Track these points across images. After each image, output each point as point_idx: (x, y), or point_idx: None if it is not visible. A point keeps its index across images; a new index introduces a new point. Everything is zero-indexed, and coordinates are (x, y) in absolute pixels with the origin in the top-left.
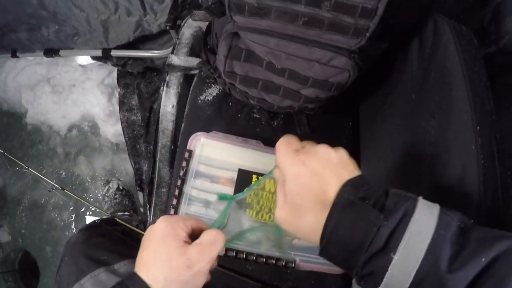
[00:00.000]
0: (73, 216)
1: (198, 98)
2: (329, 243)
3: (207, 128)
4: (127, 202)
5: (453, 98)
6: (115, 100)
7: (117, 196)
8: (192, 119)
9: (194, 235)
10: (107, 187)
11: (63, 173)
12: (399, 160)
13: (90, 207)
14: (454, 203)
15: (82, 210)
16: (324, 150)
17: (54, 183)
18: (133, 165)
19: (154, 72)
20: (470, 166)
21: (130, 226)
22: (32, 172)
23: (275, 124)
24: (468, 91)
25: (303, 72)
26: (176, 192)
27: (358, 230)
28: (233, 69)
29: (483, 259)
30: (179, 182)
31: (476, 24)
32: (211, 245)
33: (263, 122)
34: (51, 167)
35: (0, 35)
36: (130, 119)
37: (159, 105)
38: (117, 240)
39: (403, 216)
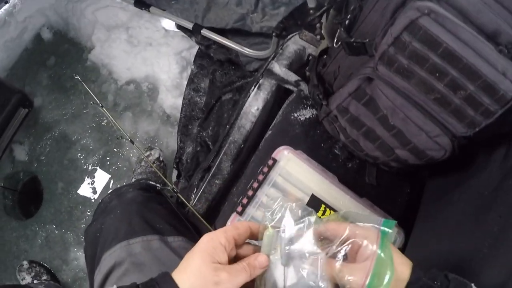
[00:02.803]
0: (98, 165)
1: (292, 114)
2: None
3: (291, 144)
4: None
5: None
6: (186, 75)
7: (154, 165)
8: (280, 131)
9: (239, 242)
10: (148, 152)
11: (105, 121)
12: (458, 239)
13: (118, 163)
14: None
15: (108, 163)
16: None
17: (93, 126)
18: (179, 143)
19: (233, 66)
20: None
21: (190, 206)
22: (105, 112)
23: (350, 165)
24: None
25: (409, 136)
26: (250, 193)
27: None
28: (349, 107)
29: None
30: (255, 185)
31: None
32: (243, 271)
33: (340, 160)
34: (94, 109)
35: None
36: (193, 99)
37: (244, 102)
38: (173, 212)
39: None
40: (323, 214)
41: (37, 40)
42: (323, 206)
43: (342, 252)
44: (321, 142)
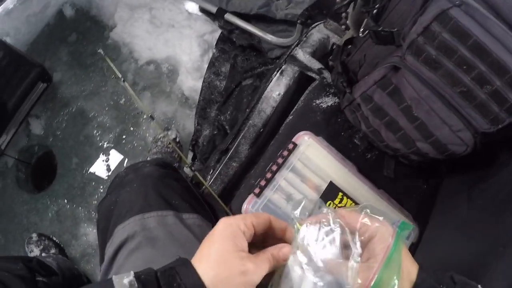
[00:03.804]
0: (113, 143)
1: (313, 101)
2: None
3: (312, 130)
4: (176, 156)
5: None
6: (207, 58)
7: (170, 145)
8: (301, 116)
9: (258, 232)
10: (165, 132)
11: (123, 99)
12: (474, 236)
13: (134, 142)
14: None
15: (123, 142)
16: None
17: (111, 104)
18: (196, 125)
19: (254, 52)
20: None
21: (207, 185)
22: (128, 87)
23: (368, 156)
24: None
25: (432, 128)
26: (268, 176)
27: None
28: (373, 95)
29: None
30: (274, 168)
31: None
32: (267, 262)
33: (359, 150)
34: (113, 87)
35: None
36: (213, 83)
37: (266, 87)
38: (189, 190)
39: None
40: (340, 202)
41: (59, 16)
42: (340, 194)
43: (358, 244)
44: (341, 131)
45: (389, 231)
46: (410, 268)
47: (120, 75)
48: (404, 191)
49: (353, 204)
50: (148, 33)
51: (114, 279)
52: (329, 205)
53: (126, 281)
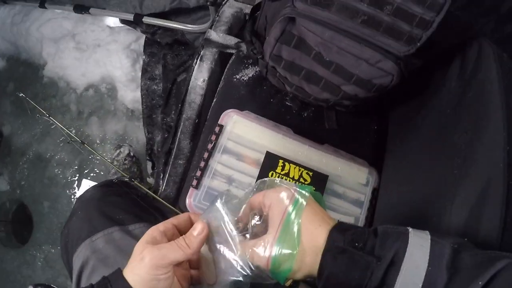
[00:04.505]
0: (77, 175)
1: (234, 77)
2: (325, 286)
3: (239, 106)
4: (135, 170)
5: (488, 118)
6: (139, 66)
7: (126, 162)
8: (225, 96)
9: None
10: (118, 151)
11: (73, 131)
12: (427, 166)
13: (95, 169)
14: (475, 215)
15: (86, 171)
16: None
17: (62, 139)
18: (147, 134)
19: (182, 46)
20: (496, 182)
21: (147, 191)
22: (52, 120)
23: (305, 115)
24: (503, 113)
25: (349, 68)
26: (202, 164)
27: (353, 275)
28: (281, 53)
29: (480, 282)
30: (205, 155)
31: None
32: (173, 244)
33: (294, 111)
34: (61, 123)
35: None
36: (150, 88)
37: (190, 77)
38: (133, 202)
39: (395, 255)
40: (282, 170)
41: None
42: (280, 161)
43: (252, 223)
44: (270, 98)
45: (285, 196)
46: (314, 232)
47: (43, 111)
48: (353, 139)
49: (297, 168)
50: (77, 60)
51: None
52: (271, 175)
53: None
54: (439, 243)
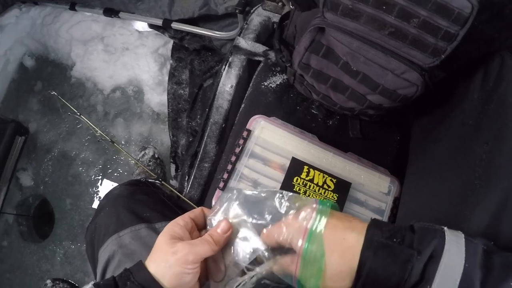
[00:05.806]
0: (100, 175)
1: (262, 83)
2: (364, 286)
3: (266, 113)
4: (159, 171)
5: (509, 129)
6: (166, 70)
7: (151, 163)
8: (253, 102)
9: (199, 223)
10: (142, 152)
11: (98, 131)
12: (448, 176)
13: (119, 169)
14: (495, 224)
15: (110, 171)
16: None
17: (88, 139)
18: (171, 137)
19: (209, 52)
20: None
21: (174, 191)
22: (83, 118)
23: (330, 123)
24: None
25: (375, 78)
26: (229, 167)
27: (393, 270)
28: (309, 62)
29: (511, 283)
30: (233, 158)
31: None
32: (202, 240)
33: (319, 119)
34: (85, 123)
35: None
36: (177, 92)
37: (218, 83)
38: (160, 201)
39: (434, 250)
40: (307, 175)
41: (21, 69)
42: (305, 167)
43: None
44: (296, 105)
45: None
46: (341, 235)
47: (74, 110)
48: (376, 148)
49: (321, 174)
50: (106, 62)
51: None
52: (296, 180)
53: None
54: (473, 242)
